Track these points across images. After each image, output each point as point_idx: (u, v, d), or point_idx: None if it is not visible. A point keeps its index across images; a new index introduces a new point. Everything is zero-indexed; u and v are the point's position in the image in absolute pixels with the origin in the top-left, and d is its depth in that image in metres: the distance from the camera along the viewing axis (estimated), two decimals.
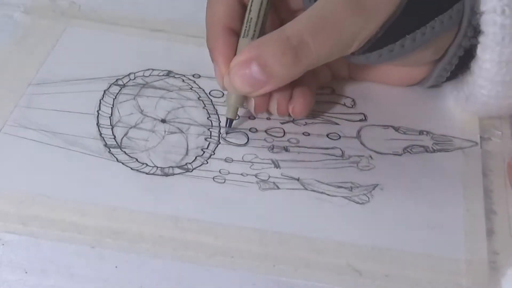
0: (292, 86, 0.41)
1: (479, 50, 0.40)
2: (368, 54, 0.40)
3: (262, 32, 0.40)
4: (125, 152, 0.40)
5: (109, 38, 0.48)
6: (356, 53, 0.39)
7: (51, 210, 0.37)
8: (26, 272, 0.35)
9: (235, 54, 0.40)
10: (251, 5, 0.41)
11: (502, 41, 0.38)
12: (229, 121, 0.42)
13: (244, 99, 0.41)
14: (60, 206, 0.37)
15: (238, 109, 0.42)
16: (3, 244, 0.36)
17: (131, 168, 0.40)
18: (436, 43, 0.40)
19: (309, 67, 0.38)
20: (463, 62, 0.42)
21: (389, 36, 0.39)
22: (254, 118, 0.43)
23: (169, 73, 0.46)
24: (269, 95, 0.41)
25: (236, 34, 0.41)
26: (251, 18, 0.41)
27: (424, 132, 0.43)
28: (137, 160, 0.40)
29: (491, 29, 0.38)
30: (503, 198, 0.40)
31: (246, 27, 0.40)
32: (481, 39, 0.39)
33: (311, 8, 0.38)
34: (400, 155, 0.42)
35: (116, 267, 0.35)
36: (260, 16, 0.41)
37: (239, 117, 0.43)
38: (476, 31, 0.39)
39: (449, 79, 0.44)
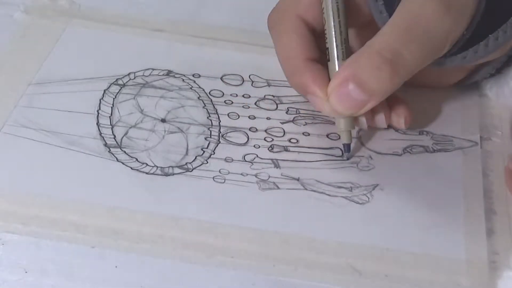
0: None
1: None
2: (453, 57, 0.39)
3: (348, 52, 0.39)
4: (125, 152, 0.40)
5: (109, 38, 0.48)
6: (442, 57, 0.39)
7: (51, 210, 0.37)
8: (26, 272, 0.35)
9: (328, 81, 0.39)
10: (340, 27, 0.39)
11: None
12: (347, 147, 0.41)
13: (353, 121, 0.40)
14: (60, 206, 0.37)
15: (351, 132, 0.41)
16: (3, 244, 0.36)
17: (131, 168, 0.40)
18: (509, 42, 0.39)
19: (406, 77, 0.37)
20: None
21: (473, 37, 0.38)
22: (254, 117, 0.43)
23: (169, 73, 0.46)
24: (373, 109, 0.40)
25: (316, 62, 0.40)
26: (344, 39, 0.39)
27: (424, 132, 0.43)
28: (137, 159, 0.40)
29: None
30: (503, 198, 0.40)
31: (342, 48, 0.39)
32: None
33: (394, 17, 0.37)
34: (400, 155, 0.42)
35: (116, 267, 0.35)
36: (347, 35, 0.40)
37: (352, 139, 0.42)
38: None
39: (492, 75, 0.43)
